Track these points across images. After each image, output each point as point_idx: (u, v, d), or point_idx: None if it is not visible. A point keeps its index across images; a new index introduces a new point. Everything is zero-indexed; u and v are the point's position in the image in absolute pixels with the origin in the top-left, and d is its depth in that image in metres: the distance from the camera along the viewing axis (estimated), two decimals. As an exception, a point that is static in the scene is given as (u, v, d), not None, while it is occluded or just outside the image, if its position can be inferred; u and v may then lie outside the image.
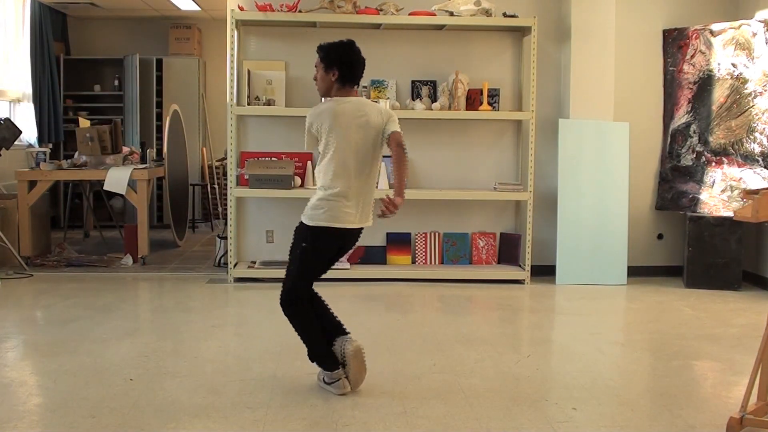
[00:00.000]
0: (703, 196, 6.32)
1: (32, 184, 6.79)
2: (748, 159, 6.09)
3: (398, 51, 6.42)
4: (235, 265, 6.20)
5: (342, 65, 3.51)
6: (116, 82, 9.90)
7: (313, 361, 3.60)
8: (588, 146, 6.26)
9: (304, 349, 3.62)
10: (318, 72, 3.58)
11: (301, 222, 3.54)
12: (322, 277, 3.61)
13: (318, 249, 3.51)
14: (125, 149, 7.54)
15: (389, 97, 6.29)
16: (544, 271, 6.35)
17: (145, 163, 7.36)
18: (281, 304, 3.58)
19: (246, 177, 6.15)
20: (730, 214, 5.98)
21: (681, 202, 6.46)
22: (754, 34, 6.05)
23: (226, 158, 7.19)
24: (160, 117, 9.66)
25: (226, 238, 6.41)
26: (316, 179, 3.59)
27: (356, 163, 3.49)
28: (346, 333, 3.59)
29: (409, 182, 6.41)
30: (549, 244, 6.37)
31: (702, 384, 3.89)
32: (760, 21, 6.06)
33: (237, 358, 4.12)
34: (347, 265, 6.20)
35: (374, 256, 6.41)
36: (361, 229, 3.59)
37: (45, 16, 8.82)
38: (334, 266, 3.59)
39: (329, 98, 3.59)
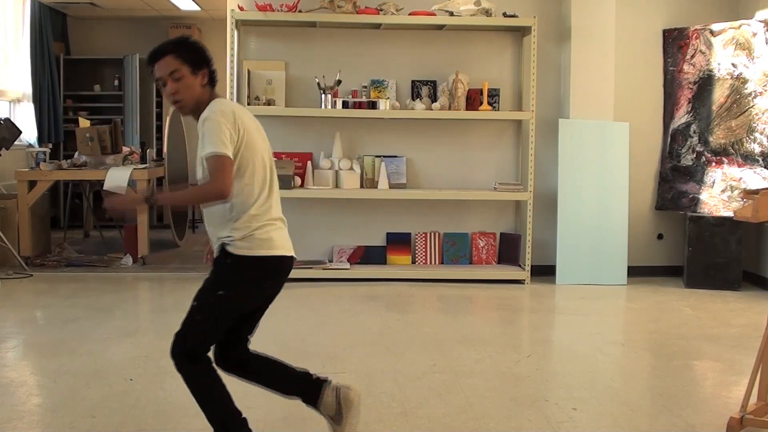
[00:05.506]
0: (703, 196, 6.32)
1: (32, 184, 6.79)
2: (748, 159, 6.09)
3: (398, 51, 6.42)
4: (235, 265, 6.18)
5: (210, 64, 2.75)
6: (116, 82, 9.90)
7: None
8: (588, 146, 6.26)
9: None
10: (178, 80, 2.66)
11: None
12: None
13: None
14: (125, 149, 7.54)
15: (389, 97, 6.28)
16: (544, 271, 6.35)
17: (145, 163, 7.36)
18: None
19: (246, 177, 6.14)
20: (730, 214, 5.98)
21: (681, 202, 6.46)
22: (754, 34, 6.05)
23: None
24: (160, 117, 9.66)
25: (226, 238, 6.39)
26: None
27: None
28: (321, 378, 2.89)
29: (409, 182, 6.41)
30: (549, 244, 6.37)
31: (702, 384, 3.89)
32: (760, 21, 6.06)
33: (237, 358, 4.12)
34: (347, 265, 6.18)
35: (374, 256, 6.40)
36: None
37: (45, 16, 8.82)
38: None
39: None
